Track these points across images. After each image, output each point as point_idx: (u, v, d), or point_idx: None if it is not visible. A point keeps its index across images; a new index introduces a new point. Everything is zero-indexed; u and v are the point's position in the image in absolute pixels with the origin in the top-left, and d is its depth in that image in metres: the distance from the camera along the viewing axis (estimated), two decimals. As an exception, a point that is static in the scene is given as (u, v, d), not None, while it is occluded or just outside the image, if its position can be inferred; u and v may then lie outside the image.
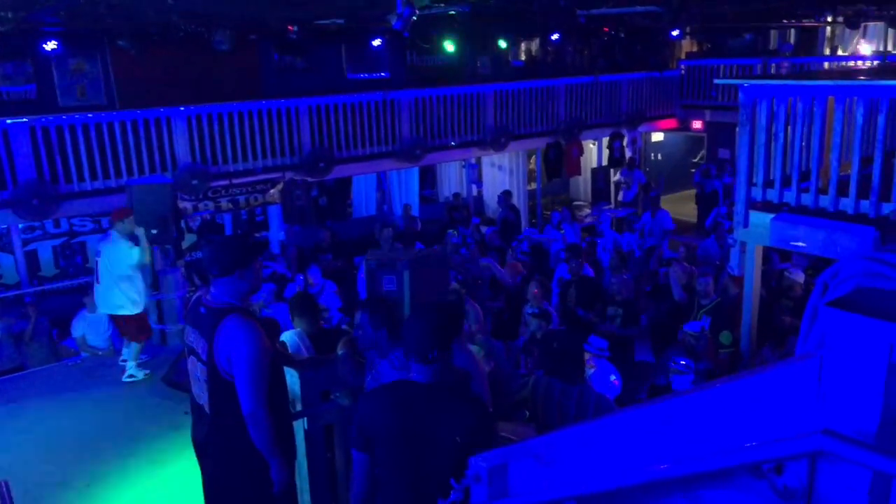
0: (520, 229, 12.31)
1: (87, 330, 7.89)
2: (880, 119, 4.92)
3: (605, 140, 15.19)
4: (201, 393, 3.25)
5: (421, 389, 2.70)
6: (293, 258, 10.24)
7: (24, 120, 8.99)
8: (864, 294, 1.52)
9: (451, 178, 15.32)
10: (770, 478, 1.51)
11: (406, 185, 14.01)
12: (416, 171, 13.81)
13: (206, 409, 3.23)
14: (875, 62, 14.48)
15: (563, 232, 11.49)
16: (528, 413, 5.09)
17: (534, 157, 15.45)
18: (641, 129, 15.75)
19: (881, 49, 16.42)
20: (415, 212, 13.42)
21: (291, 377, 3.76)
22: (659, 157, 18.10)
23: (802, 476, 1.48)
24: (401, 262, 4.68)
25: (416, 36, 14.17)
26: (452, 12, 11.98)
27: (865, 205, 5.00)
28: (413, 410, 2.67)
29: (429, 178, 15.43)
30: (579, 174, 15.25)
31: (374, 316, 3.65)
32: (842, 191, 5.19)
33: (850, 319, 1.40)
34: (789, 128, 5.43)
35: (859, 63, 14.59)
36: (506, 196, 12.88)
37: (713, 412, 1.68)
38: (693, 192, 14.73)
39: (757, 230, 5.63)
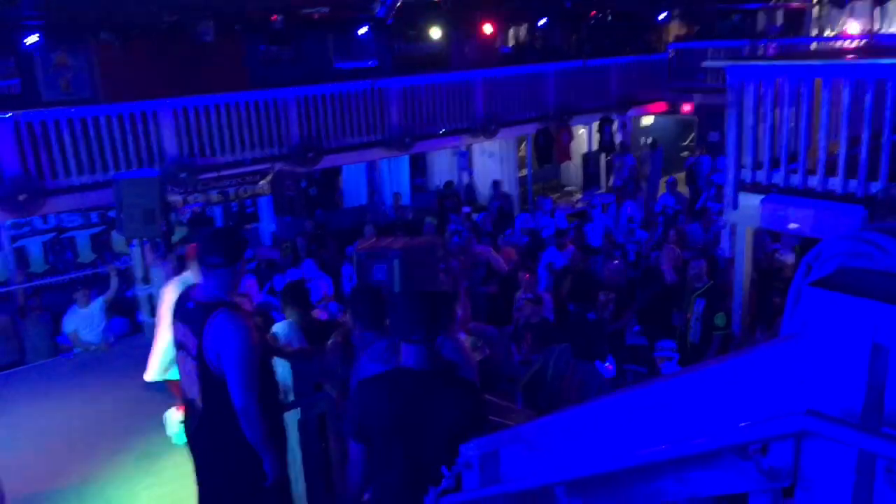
0: (512, 217, 12.30)
1: (80, 325, 7.86)
2: (867, 99, 4.92)
3: (595, 125, 15.16)
4: (191, 387, 3.24)
5: (414, 377, 2.71)
6: (303, 248, 10.14)
7: (8, 115, 8.89)
8: (847, 273, 1.52)
9: (442, 166, 15.29)
10: (756, 459, 1.52)
11: (396, 173, 13.97)
12: (406, 160, 13.77)
13: (197, 403, 3.22)
14: (862, 41, 14.50)
15: (554, 219, 11.49)
16: (521, 397, 5.12)
17: (524, 143, 15.43)
18: (631, 113, 15.73)
19: (868, 28, 16.43)
20: (406, 200, 13.39)
21: (283, 368, 3.76)
22: (649, 140, 18.10)
23: (788, 456, 1.48)
24: (391, 251, 4.68)
25: (403, 23, 14.10)
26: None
27: (854, 184, 5.01)
28: (408, 398, 2.68)
29: (420, 166, 15.40)
30: (570, 160, 15.24)
31: (355, 308, 3.62)
32: (830, 171, 5.20)
33: (833, 298, 1.40)
34: (777, 109, 5.43)
35: (846, 43, 14.60)
36: (496, 186, 12.88)
37: (701, 394, 1.68)
38: (683, 174, 14.76)
39: (747, 212, 5.64)
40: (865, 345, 1.38)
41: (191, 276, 5.05)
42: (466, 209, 12.97)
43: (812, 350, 1.42)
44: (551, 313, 7.06)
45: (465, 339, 4.56)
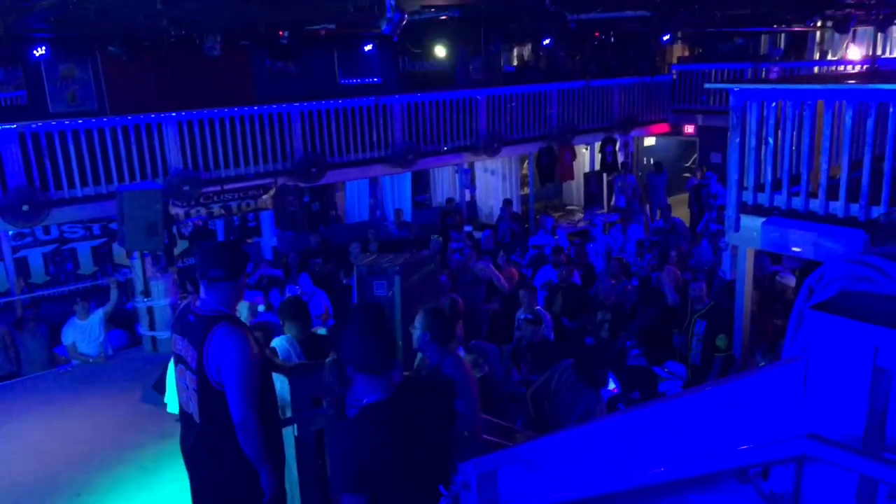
0: (525, 238, 12.21)
1: (78, 337, 7.84)
2: (869, 123, 4.94)
3: (598, 145, 15.22)
4: (190, 401, 3.23)
5: (393, 403, 2.65)
6: (294, 264, 10.20)
7: (14, 126, 8.94)
8: (849, 297, 1.52)
9: (445, 183, 15.33)
10: (756, 482, 1.51)
11: (399, 190, 14.01)
12: (408, 177, 13.81)
13: (195, 417, 3.20)
14: (864, 66, 14.58)
15: (556, 237, 11.50)
16: (525, 416, 5.09)
17: (526, 161, 15.48)
18: (633, 133, 15.79)
19: (870, 53, 16.53)
20: (407, 217, 13.41)
21: (281, 383, 3.74)
22: (651, 161, 18.16)
23: (789, 481, 1.47)
24: (392, 267, 4.68)
25: (408, 41, 14.21)
26: (443, 17, 12.01)
27: (855, 208, 5.02)
28: (400, 425, 2.64)
29: (422, 183, 15.44)
30: (572, 179, 15.29)
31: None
32: (832, 194, 5.21)
33: (835, 322, 1.40)
34: (779, 132, 5.45)
35: (849, 67, 14.69)
36: (507, 206, 12.87)
37: (701, 416, 1.67)
38: (686, 196, 14.78)
39: (748, 234, 5.64)
40: (867, 369, 1.37)
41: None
42: (468, 227, 12.98)
43: (814, 374, 1.42)
44: (551, 332, 7.04)
45: (465, 357, 4.55)
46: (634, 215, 12.90)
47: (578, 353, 6.05)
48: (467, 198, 15.02)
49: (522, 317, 6.50)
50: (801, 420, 1.48)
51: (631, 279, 8.74)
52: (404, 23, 8.92)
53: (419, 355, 4.42)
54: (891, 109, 4.70)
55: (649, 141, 18.03)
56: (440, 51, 14.69)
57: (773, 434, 1.51)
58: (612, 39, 17.81)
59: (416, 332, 3.85)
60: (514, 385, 6.26)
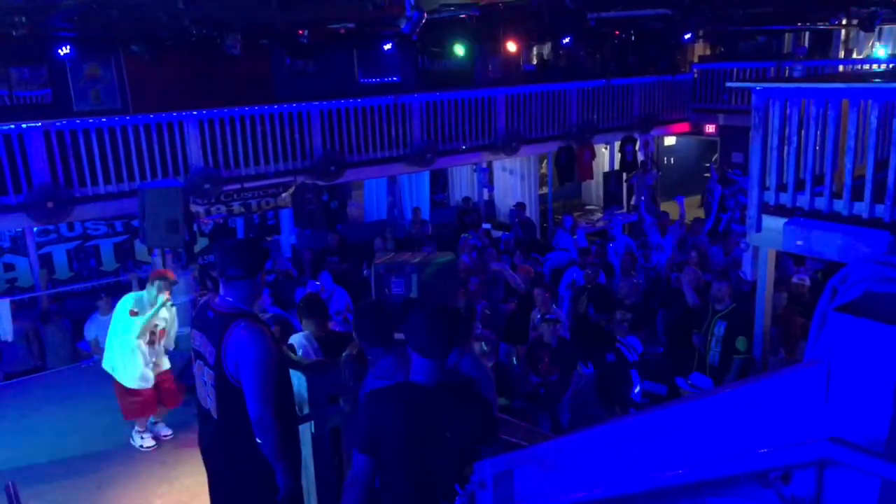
0: (534, 244, 12.07)
1: (100, 332, 7.93)
2: (895, 122, 4.85)
3: (618, 144, 15.12)
4: (208, 397, 3.25)
5: (424, 392, 2.70)
6: (308, 262, 10.27)
7: (39, 124, 9.07)
8: (873, 299, 1.49)
9: (463, 182, 15.32)
10: (777, 486, 1.48)
11: (417, 188, 14.02)
12: (427, 175, 13.81)
13: (213, 413, 3.23)
14: (890, 65, 14.35)
15: (575, 237, 11.44)
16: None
17: (545, 161, 15.42)
18: (654, 132, 15.67)
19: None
20: (425, 215, 13.42)
21: (299, 380, 3.76)
22: (672, 161, 18.01)
23: (810, 485, 1.45)
24: (409, 265, 4.68)
25: (427, 40, 14.21)
26: (463, 16, 11.99)
27: (881, 209, 4.93)
28: (417, 413, 2.67)
29: (440, 181, 15.44)
30: (591, 178, 15.20)
31: (359, 324, 3.56)
32: (856, 195, 5.12)
33: (859, 324, 1.37)
34: (802, 131, 5.38)
35: (874, 66, 14.45)
36: (519, 209, 12.81)
37: (720, 418, 1.65)
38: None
39: (770, 234, 5.57)
40: (891, 372, 1.35)
41: None
42: (486, 226, 12.95)
43: (836, 376, 1.39)
44: (567, 332, 7.02)
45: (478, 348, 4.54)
46: (652, 213, 12.76)
47: (599, 368, 6.04)
48: (486, 197, 15.00)
49: (538, 316, 6.48)
50: (823, 423, 1.45)
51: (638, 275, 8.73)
52: (423, 21, 8.93)
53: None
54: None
55: (670, 140, 17.89)
56: (459, 49, 14.67)
57: (795, 437, 1.49)
58: (633, 38, 17.68)
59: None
60: (533, 386, 6.24)
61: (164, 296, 6.04)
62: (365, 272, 8.86)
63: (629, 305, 7.16)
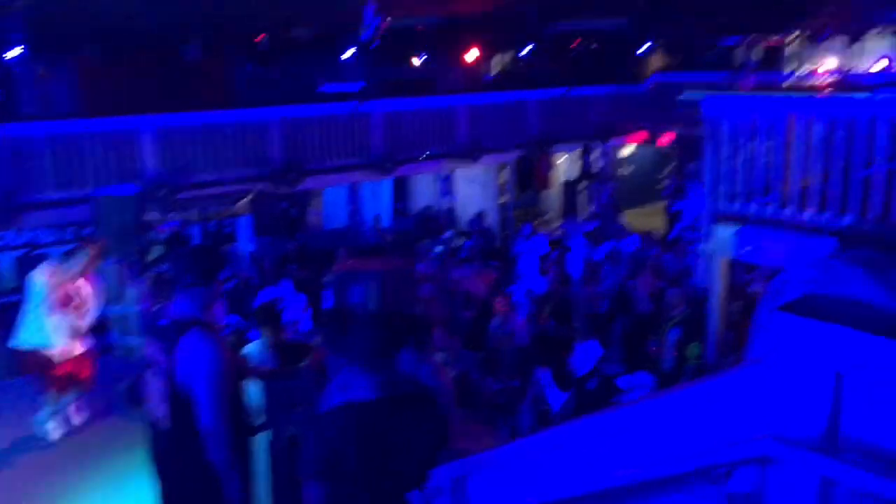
0: (493, 253, 12.09)
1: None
2: (839, 134, 5.02)
3: (576, 153, 15.32)
4: (159, 406, 3.19)
5: (369, 407, 2.63)
6: (268, 270, 10.16)
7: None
8: (813, 300, 1.54)
9: (425, 190, 15.34)
10: (721, 483, 1.52)
11: (378, 197, 13.99)
12: (389, 183, 13.80)
13: (164, 422, 3.17)
14: (835, 77, 14.85)
15: (534, 245, 11.53)
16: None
17: (506, 169, 15.53)
18: (612, 142, 15.92)
19: (843, 64, 16.84)
20: (387, 223, 13.40)
21: (255, 389, 3.71)
22: (630, 170, 18.29)
23: (752, 481, 1.49)
24: (367, 273, 4.68)
25: (388, 48, 14.22)
26: (422, 26, 12.07)
27: (826, 217, 5.09)
28: (365, 430, 2.61)
29: (402, 190, 15.43)
30: (551, 187, 15.36)
31: (324, 331, 3.53)
32: (804, 204, 5.28)
33: (798, 324, 1.42)
34: (752, 142, 5.53)
35: (821, 79, 14.94)
36: (479, 218, 12.88)
37: (667, 419, 1.69)
38: (663, 204, 14.91)
39: (721, 243, 5.70)
40: (829, 370, 1.39)
41: None
42: (449, 233, 12.98)
43: (776, 375, 1.44)
44: (526, 339, 7.06)
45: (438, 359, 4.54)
46: (608, 224, 12.97)
47: (555, 363, 6.07)
48: (447, 205, 15.04)
49: (498, 323, 6.51)
50: (765, 421, 1.50)
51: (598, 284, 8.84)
52: (383, 29, 8.95)
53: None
54: (859, 121, 4.79)
55: (627, 150, 18.17)
56: (420, 58, 14.73)
57: (738, 435, 1.53)
58: (592, 48, 17.96)
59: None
60: (494, 393, 6.26)
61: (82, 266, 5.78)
62: (325, 280, 8.80)
63: (587, 315, 7.25)
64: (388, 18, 9.41)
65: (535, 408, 4.90)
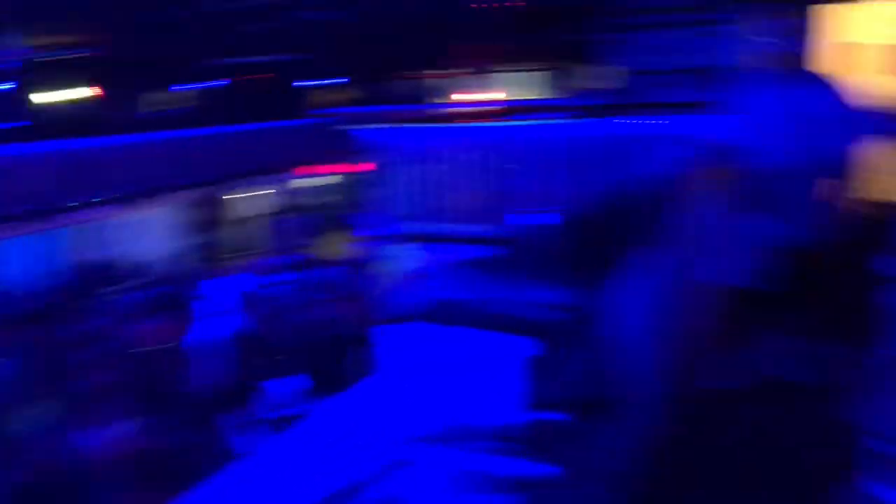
0: (180, 298, 11.29)
1: None
2: (484, 156, 5.72)
3: (260, 188, 15.15)
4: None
5: None
6: None
7: None
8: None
9: (93, 239, 13.77)
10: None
11: (32, 249, 12.20)
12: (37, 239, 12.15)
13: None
14: (496, 107, 16.92)
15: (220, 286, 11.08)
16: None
17: (182, 209, 14.72)
18: (293, 176, 16.04)
19: (504, 95, 19.28)
20: (43, 282, 11.73)
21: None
22: (314, 200, 18.60)
23: (397, 484, 1.52)
24: None
25: (43, 80, 12.75)
26: (77, 56, 11.06)
27: (476, 228, 5.73)
28: None
29: (68, 239, 13.63)
30: (233, 226, 14.99)
31: None
32: (461, 218, 5.89)
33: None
34: (409, 167, 6.03)
35: (463, 109, 16.92)
36: (158, 264, 12.01)
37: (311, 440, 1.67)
38: (350, 230, 15.35)
39: (394, 259, 6.13)
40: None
41: None
42: (115, 286, 11.80)
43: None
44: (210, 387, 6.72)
45: None
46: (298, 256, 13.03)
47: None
48: (121, 254, 13.69)
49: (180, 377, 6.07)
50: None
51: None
52: (31, 62, 7.94)
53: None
54: (490, 146, 5.54)
55: (315, 181, 18.41)
56: (80, 92, 13.36)
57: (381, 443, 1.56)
58: (271, 81, 17.91)
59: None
60: (176, 452, 5.78)
61: None
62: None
63: (279, 349, 7.16)
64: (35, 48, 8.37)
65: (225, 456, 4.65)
